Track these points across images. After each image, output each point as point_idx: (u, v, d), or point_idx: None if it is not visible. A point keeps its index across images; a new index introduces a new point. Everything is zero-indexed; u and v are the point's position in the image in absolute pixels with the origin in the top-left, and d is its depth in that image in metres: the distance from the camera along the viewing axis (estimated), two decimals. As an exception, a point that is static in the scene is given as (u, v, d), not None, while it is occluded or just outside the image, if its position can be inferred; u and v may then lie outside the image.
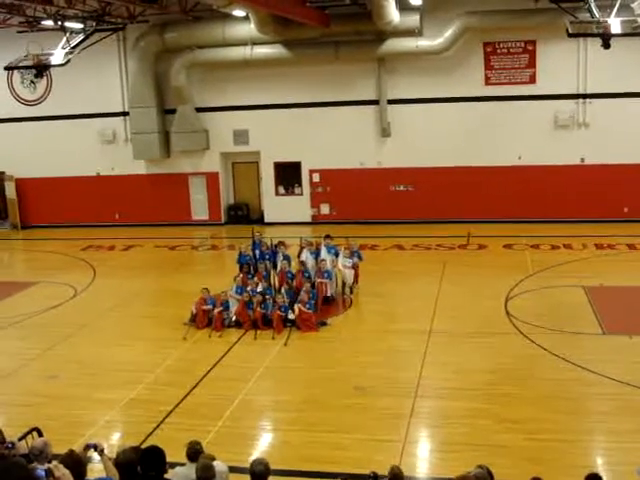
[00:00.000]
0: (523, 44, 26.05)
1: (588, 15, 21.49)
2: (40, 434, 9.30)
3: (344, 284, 19.43)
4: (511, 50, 26.24)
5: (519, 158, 26.42)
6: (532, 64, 26.10)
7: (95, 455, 7.43)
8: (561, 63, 25.62)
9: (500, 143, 26.51)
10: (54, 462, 5.12)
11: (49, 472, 4.70)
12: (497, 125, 26.47)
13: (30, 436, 8.88)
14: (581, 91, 25.78)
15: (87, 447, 7.11)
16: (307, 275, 18.46)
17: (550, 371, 13.89)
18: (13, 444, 7.26)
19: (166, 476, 7.14)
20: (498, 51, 26.34)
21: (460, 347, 15.43)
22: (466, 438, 11.37)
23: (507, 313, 17.26)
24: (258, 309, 17.14)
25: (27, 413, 12.54)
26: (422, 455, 11.39)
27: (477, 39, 26.11)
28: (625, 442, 11.06)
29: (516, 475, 9.60)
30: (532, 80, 26.22)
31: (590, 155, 26.09)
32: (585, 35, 22.70)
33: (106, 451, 7.96)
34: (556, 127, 26.18)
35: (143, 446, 9.47)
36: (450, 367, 14.34)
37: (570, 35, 22.52)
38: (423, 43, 25.92)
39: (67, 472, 4.82)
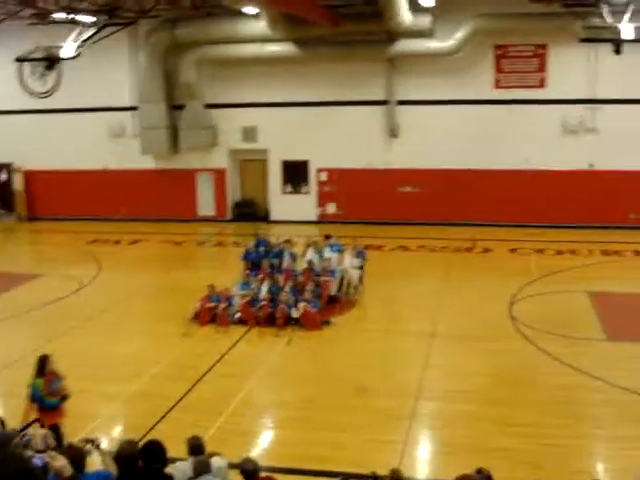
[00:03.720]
0: (534, 48, 26.00)
1: (600, 20, 21.50)
2: (42, 426, 9.33)
3: (349, 284, 19.39)
4: (522, 53, 26.20)
5: (526, 161, 26.31)
6: (542, 68, 26.06)
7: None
8: (572, 68, 25.56)
9: (508, 147, 26.45)
10: (52, 452, 5.13)
11: (46, 462, 4.72)
12: (506, 128, 26.42)
13: (32, 427, 8.91)
14: (591, 96, 25.70)
15: (85, 441, 7.13)
16: (312, 274, 18.47)
17: (552, 376, 13.86)
18: (29, 437, 7.28)
19: (166, 470, 7.14)
20: (509, 54, 26.30)
21: (463, 350, 15.42)
22: (467, 440, 11.36)
23: (511, 317, 17.24)
24: (266, 308, 17.15)
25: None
26: (422, 457, 11.39)
27: (488, 42, 26.08)
28: (626, 449, 11.03)
29: (517, 478, 9.60)
30: (542, 84, 26.18)
31: (598, 161, 26.01)
32: (597, 40, 22.70)
33: (106, 444, 7.97)
34: (565, 132, 26.12)
35: (144, 440, 9.49)
36: (452, 369, 14.35)
37: (582, 40, 22.54)
38: (434, 45, 25.88)
39: (65, 463, 4.83)
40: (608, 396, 12.91)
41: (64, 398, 10.90)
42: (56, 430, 10.19)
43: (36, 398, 10.66)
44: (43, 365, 10.88)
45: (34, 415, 10.57)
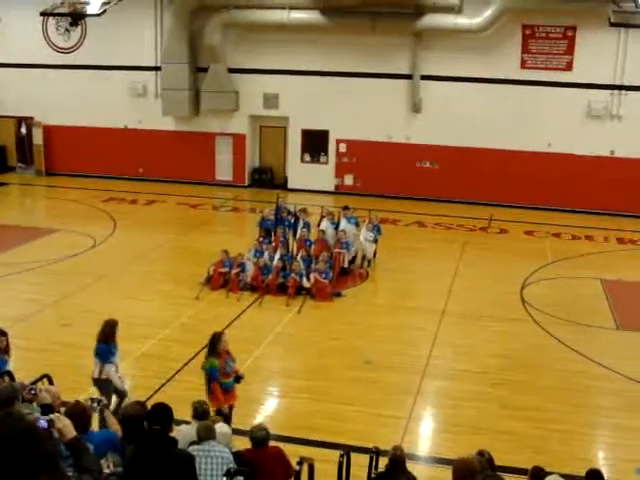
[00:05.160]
0: (563, 29, 25.65)
1: (632, 5, 21.21)
2: (50, 381, 9.42)
3: (363, 257, 19.44)
4: (550, 35, 25.86)
5: (549, 145, 26.13)
6: (570, 51, 25.73)
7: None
8: (599, 52, 25.18)
9: (530, 128, 26.19)
10: (56, 413, 5.14)
11: (51, 423, 4.71)
12: (529, 110, 26.14)
13: (40, 382, 8.99)
14: (617, 82, 25.42)
15: (92, 400, 7.18)
16: (325, 244, 18.47)
17: (560, 362, 13.88)
18: (36, 390, 7.34)
19: (171, 434, 7.19)
20: (537, 35, 25.97)
21: (472, 330, 15.44)
22: (470, 421, 11.42)
23: (522, 300, 17.22)
24: (276, 277, 17.20)
25: (39, 359, 12.69)
26: (425, 434, 11.47)
27: (517, 21, 25.76)
28: (629, 439, 11.09)
29: (518, 462, 9.64)
30: (568, 67, 25.87)
31: (620, 148, 25.78)
32: (627, 25, 22.42)
33: (111, 405, 8.02)
34: (588, 117, 25.85)
35: (150, 402, 9.56)
36: (460, 349, 14.37)
37: (612, 24, 22.22)
38: (462, 21, 25.61)
39: (68, 423, 4.81)
40: (614, 385, 12.92)
41: (238, 379, 10.57)
42: (228, 413, 10.14)
43: (213, 378, 10.22)
44: (216, 343, 10.37)
45: (220, 396, 10.24)
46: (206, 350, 10.52)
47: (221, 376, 10.23)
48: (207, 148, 29.59)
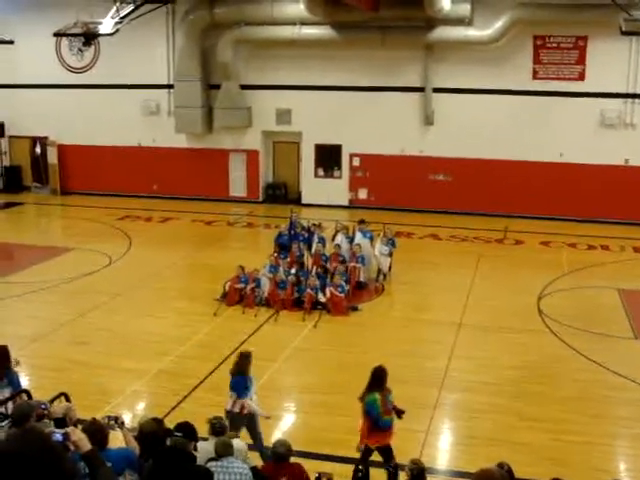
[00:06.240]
0: (574, 39, 25.62)
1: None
2: (67, 399, 9.42)
3: (379, 270, 19.39)
4: (561, 45, 25.84)
5: (560, 155, 26.07)
6: (582, 60, 25.69)
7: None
8: (611, 61, 25.14)
9: (544, 139, 26.14)
10: (72, 427, 5.12)
11: (66, 436, 4.68)
12: (542, 120, 26.09)
13: (57, 401, 9.00)
14: (630, 91, 25.33)
15: (109, 418, 7.17)
16: (341, 259, 18.47)
17: (578, 372, 13.78)
18: (47, 405, 7.35)
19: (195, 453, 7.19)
20: (548, 45, 25.95)
21: (489, 341, 15.36)
22: (489, 433, 11.34)
23: (539, 311, 17.13)
24: (292, 292, 17.19)
25: (56, 378, 12.71)
26: (444, 447, 11.40)
27: (527, 32, 25.74)
28: (650, 449, 10.97)
29: (537, 474, 9.56)
30: (581, 77, 25.82)
31: (635, 156, 25.67)
32: (639, 34, 22.34)
33: (128, 421, 8.03)
34: (602, 126, 25.76)
35: (167, 419, 9.57)
36: (478, 361, 14.29)
37: (623, 33, 22.17)
38: (472, 33, 25.64)
39: (84, 436, 4.78)
40: (633, 395, 12.81)
41: (399, 413, 9.81)
42: (388, 452, 9.60)
43: (372, 416, 9.49)
44: (383, 377, 9.67)
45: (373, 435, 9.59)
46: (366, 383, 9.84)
47: (383, 413, 9.55)
48: (221, 165, 29.68)
